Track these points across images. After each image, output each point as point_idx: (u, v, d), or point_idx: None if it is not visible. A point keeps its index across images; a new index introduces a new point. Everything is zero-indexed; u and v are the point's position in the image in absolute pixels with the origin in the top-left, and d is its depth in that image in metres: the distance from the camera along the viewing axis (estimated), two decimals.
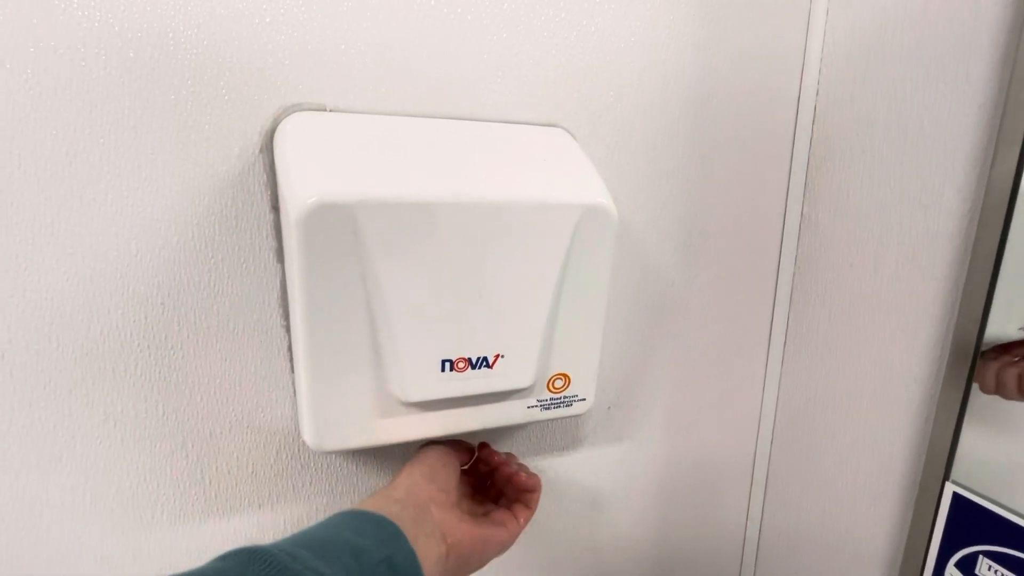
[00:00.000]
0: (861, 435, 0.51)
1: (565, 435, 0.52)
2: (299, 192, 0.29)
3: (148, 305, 0.36)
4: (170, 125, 0.34)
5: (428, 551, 0.31)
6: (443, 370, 0.34)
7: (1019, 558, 0.39)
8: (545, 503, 0.53)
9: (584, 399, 0.40)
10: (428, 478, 0.36)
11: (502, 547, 0.37)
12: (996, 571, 0.40)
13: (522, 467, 0.40)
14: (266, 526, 0.43)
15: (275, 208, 0.37)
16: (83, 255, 0.34)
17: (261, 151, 0.36)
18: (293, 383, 0.40)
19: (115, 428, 0.37)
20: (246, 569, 0.24)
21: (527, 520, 0.39)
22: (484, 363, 0.34)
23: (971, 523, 0.41)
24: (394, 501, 0.33)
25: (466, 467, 0.41)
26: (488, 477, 0.42)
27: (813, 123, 0.52)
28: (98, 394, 0.36)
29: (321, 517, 0.44)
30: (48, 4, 0.30)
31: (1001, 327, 0.41)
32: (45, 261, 0.33)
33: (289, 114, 0.35)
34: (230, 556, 0.25)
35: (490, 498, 0.41)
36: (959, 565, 0.43)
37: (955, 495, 0.42)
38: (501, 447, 0.49)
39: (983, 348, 0.41)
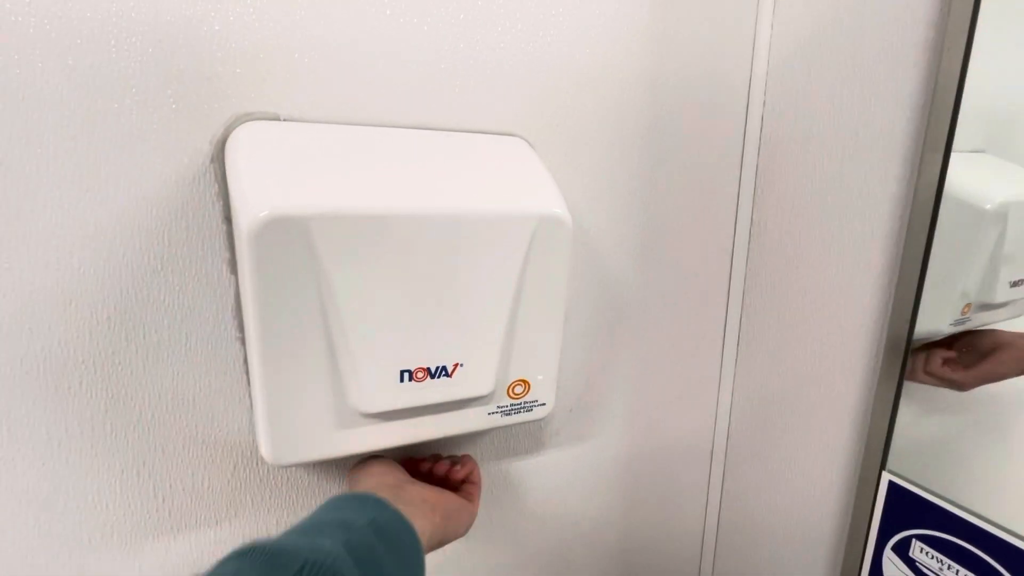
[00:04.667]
0: (808, 429, 0.54)
1: (528, 439, 0.52)
2: (252, 205, 0.29)
3: (93, 320, 0.35)
4: (114, 134, 0.33)
5: (413, 512, 0.33)
6: (402, 380, 0.34)
7: (947, 540, 0.42)
8: (510, 505, 0.54)
9: (544, 404, 0.40)
10: (387, 472, 0.37)
11: (472, 517, 0.39)
12: (927, 552, 0.44)
13: (451, 461, 0.42)
14: (224, 542, 0.42)
15: (228, 219, 0.36)
16: (21, 269, 0.32)
17: (212, 161, 0.35)
18: (250, 396, 0.39)
19: (58, 449, 0.36)
20: (248, 564, 0.24)
21: (479, 495, 0.41)
22: (443, 372, 0.35)
23: (905, 509, 0.44)
24: (368, 490, 0.35)
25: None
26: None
27: (760, 132, 0.54)
28: (39, 414, 0.35)
29: (282, 530, 0.44)
30: None
31: (934, 324, 0.44)
32: None
33: (241, 123, 0.35)
34: (233, 558, 0.25)
35: None
36: (895, 548, 0.46)
37: (891, 483, 0.45)
38: (464, 453, 0.50)
39: (915, 345, 0.44)
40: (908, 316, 0.43)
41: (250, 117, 0.35)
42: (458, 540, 0.49)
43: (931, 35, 0.41)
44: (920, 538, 0.44)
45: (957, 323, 0.45)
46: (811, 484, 0.54)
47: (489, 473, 0.51)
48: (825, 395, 0.52)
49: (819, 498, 0.53)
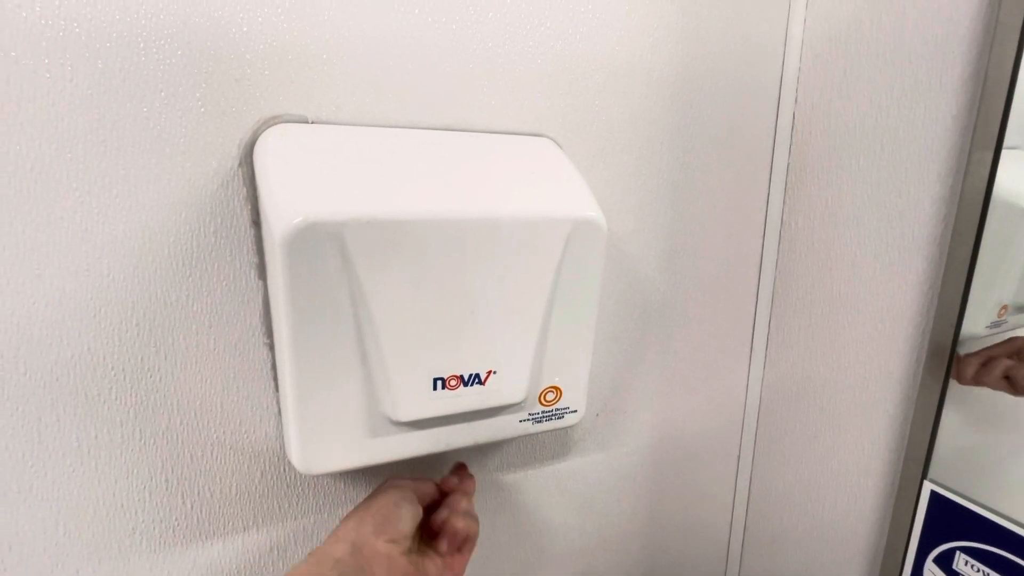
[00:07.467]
0: (841, 436, 0.52)
1: (555, 444, 0.52)
2: (283, 211, 0.28)
3: (122, 326, 0.34)
4: (142, 138, 0.32)
5: None
6: (435, 388, 0.33)
7: (994, 553, 0.41)
8: (535, 511, 0.53)
9: (575, 411, 0.40)
10: (379, 529, 0.33)
11: None
12: (972, 566, 0.42)
13: (467, 509, 0.38)
14: (251, 549, 0.41)
15: (256, 223, 0.35)
16: (51, 276, 0.32)
17: (240, 164, 0.34)
18: (278, 402, 0.39)
19: (89, 455, 0.35)
20: None
21: (463, 567, 0.37)
22: (476, 380, 0.34)
23: (948, 520, 0.43)
24: (334, 563, 0.31)
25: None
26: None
27: (792, 131, 0.52)
28: (69, 421, 0.34)
29: (308, 538, 0.43)
30: (5, 12, 0.28)
31: (970, 327, 0.43)
32: (10, 283, 0.31)
33: (269, 126, 0.34)
34: None
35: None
36: (937, 561, 0.44)
37: (932, 493, 0.44)
38: (491, 460, 0.49)
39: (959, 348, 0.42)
40: (953, 320, 0.41)
41: (278, 120, 0.34)
42: (480, 546, 0.48)
43: (979, 25, 0.39)
44: (965, 550, 0.42)
45: (993, 326, 0.43)
46: (844, 491, 0.53)
47: (515, 479, 0.51)
48: (860, 400, 0.50)
49: (853, 506, 0.52)
